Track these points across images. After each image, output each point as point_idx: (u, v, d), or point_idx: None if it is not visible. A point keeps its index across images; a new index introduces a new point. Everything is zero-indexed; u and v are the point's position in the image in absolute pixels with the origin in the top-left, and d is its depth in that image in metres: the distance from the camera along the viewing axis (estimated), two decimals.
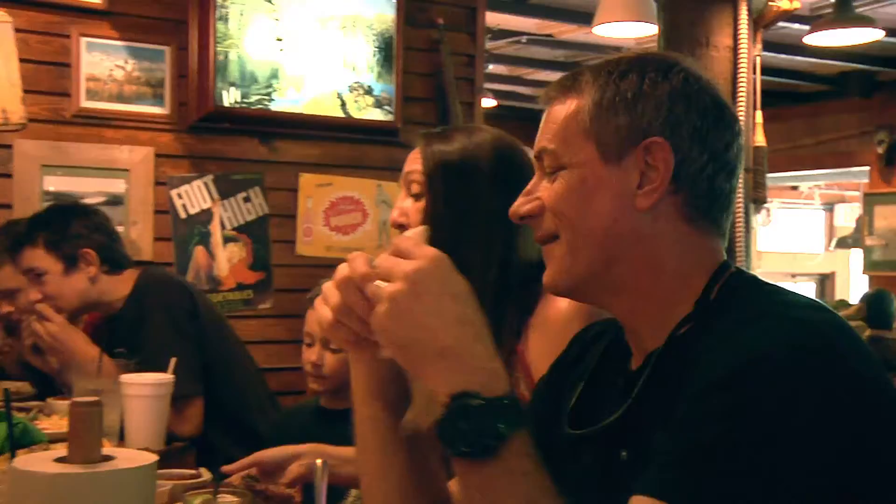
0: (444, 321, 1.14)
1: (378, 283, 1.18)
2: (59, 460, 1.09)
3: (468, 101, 4.92)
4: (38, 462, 1.11)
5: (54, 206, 3.42)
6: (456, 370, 1.13)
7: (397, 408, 1.35)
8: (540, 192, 1.34)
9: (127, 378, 2.67)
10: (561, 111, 1.32)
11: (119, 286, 3.24)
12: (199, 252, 4.35)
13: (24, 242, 3.23)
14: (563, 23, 7.40)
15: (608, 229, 1.28)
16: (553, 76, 8.79)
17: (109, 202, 4.12)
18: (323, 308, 1.28)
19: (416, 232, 1.27)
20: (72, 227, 3.21)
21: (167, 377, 2.71)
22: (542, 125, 1.35)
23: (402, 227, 2.01)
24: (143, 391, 2.61)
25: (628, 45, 6.97)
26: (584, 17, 6.50)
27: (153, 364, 2.85)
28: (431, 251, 1.18)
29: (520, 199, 1.37)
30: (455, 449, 1.12)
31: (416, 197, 2.01)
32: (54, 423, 2.92)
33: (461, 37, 4.95)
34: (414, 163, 2.04)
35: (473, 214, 1.47)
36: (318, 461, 1.60)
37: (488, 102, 7.42)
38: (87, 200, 4.16)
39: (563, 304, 1.84)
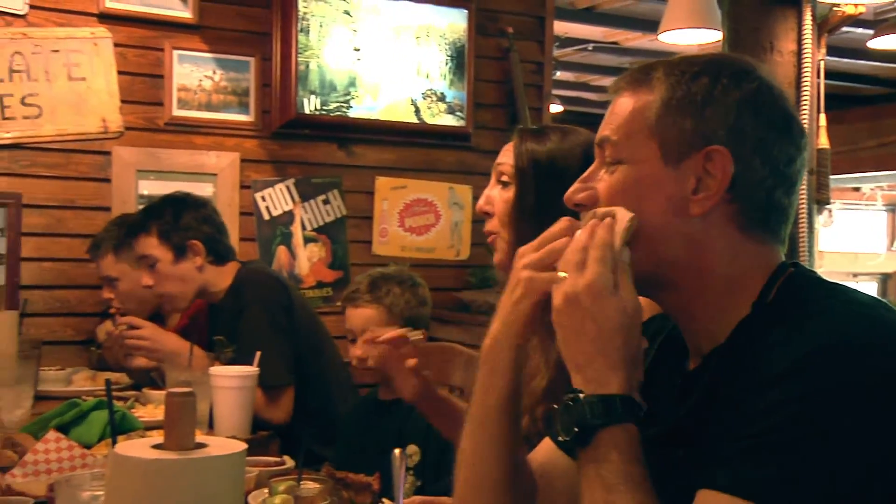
0: (608, 328, 1.18)
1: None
2: (156, 447, 1.11)
3: (536, 107, 4.93)
4: (137, 448, 1.12)
5: (168, 197, 3.46)
6: (586, 378, 1.18)
7: (516, 408, 1.35)
8: (596, 182, 1.32)
9: (216, 370, 2.73)
10: (629, 104, 1.29)
11: (222, 277, 3.30)
12: (281, 252, 4.43)
13: (138, 231, 3.31)
14: (628, 30, 7.35)
15: (658, 230, 1.25)
16: None
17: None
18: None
19: (623, 226, 1.24)
20: (183, 219, 3.28)
21: (253, 370, 2.75)
22: (607, 114, 1.33)
23: (486, 214, 2.02)
24: (231, 383, 2.65)
25: (692, 51, 6.90)
26: (650, 25, 6.45)
27: (248, 352, 2.91)
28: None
29: (576, 185, 1.35)
30: (555, 437, 1.18)
31: (504, 185, 2.02)
32: (149, 411, 2.99)
33: (530, 45, 4.97)
34: (505, 155, 2.04)
35: (557, 212, 1.47)
36: (396, 450, 1.61)
37: (555, 108, 7.39)
38: None
39: None
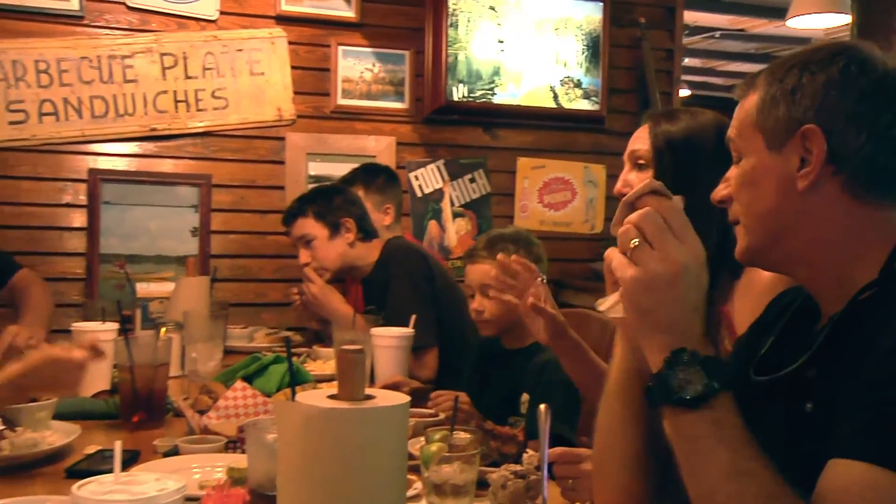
0: (683, 308, 1.15)
1: (634, 241, 1.17)
2: (332, 397, 1.15)
3: (666, 92, 4.88)
4: (315, 398, 1.15)
5: (319, 186, 3.63)
6: (677, 337, 1.15)
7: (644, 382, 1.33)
8: (732, 180, 1.35)
9: (376, 331, 2.82)
10: (741, 106, 1.34)
11: (370, 252, 3.41)
12: (432, 225, 4.53)
13: (296, 214, 3.44)
14: (755, 18, 7.15)
15: (773, 210, 1.27)
16: (744, 67, 8.53)
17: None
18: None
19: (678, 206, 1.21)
20: (334, 201, 3.41)
21: (408, 331, 2.83)
22: (733, 118, 1.37)
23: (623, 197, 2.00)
24: (390, 342, 2.74)
25: (818, 35, 6.69)
26: (776, 12, 6.29)
27: (395, 319, 3.00)
28: (696, 242, 1.18)
29: (719, 185, 1.40)
30: (670, 397, 1.14)
31: (641, 167, 1.98)
32: (318, 366, 3.13)
33: (661, 34, 4.92)
34: (639, 141, 2.00)
35: (697, 187, 1.46)
36: (542, 406, 1.61)
37: (683, 92, 7.26)
38: None
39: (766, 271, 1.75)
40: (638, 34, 4.79)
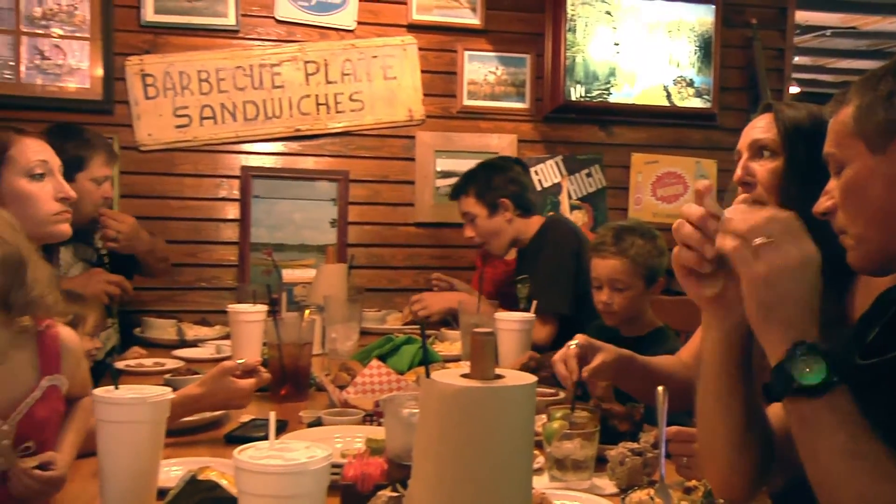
0: (804, 304, 1.15)
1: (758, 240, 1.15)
2: (464, 376, 1.13)
3: (777, 89, 4.73)
4: (448, 377, 1.14)
5: (483, 163, 3.64)
6: (798, 331, 1.14)
7: (740, 363, 1.34)
8: (833, 191, 1.32)
9: (499, 315, 2.80)
10: (836, 121, 1.32)
11: (529, 227, 3.42)
12: None
13: (460, 192, 3.51)
14: (867, 15, 6.85)
15: (884, 209, 1.25)
16: (855, 63, 8.17)
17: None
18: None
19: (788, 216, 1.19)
20: (493, 181, 3.43)
21: (530, 316, 2.80)
22: (827, 134, 1.34)
23: (746, 185, 1.88)
24: (512, 326, 2.72)
25: None
26: (889, 8, 6.02)
27: (539, 287, 3.11)
28: (813, 244, 1.16)
29: (821, 198, 1.35)
30: (791, 386, 1.13)
31: (767, 156, 1.86)
32: (446, 347, 3.17)
33: (772, 33, 4.76)
34: (760, 130, 1.89)
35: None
36: (660, 388, 1.60)
37: (793, 90, 7.02)
38: None
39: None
40: (749, 34, 4.65)
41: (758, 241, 1.15)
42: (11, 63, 3.96)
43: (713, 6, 4.48)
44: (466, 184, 3.51)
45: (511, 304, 3.32)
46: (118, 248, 3.30)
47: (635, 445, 1.74)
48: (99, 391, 1.53)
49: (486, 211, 3.42)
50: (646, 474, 1.69)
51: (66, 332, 1.76)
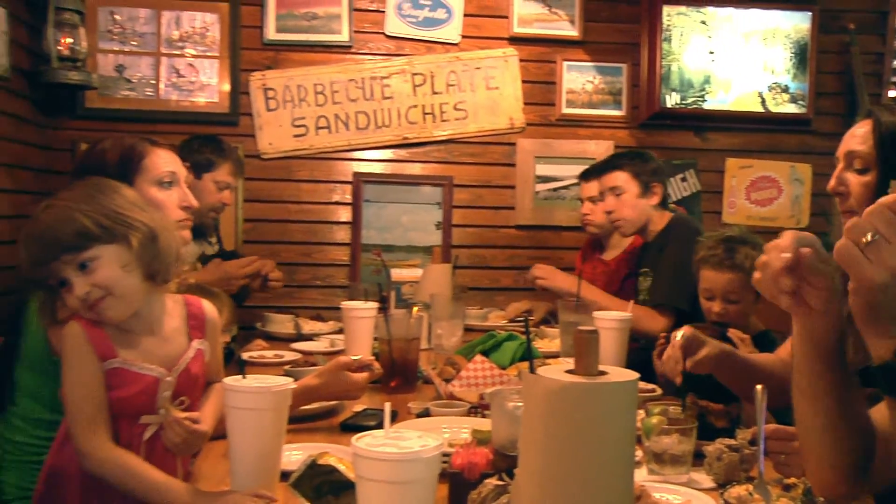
0: None
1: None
2: (569, 372, 1.12)
3: (875, 94, 4.54)
4: (553, 372, 1.13)
5: (634, 149, 3.64)
6: None
7: (830, 357, 1.30)
8: None
9: (598, 314, 2.73)
10: None
11: (660, 220, 3.34)
12: None
13: (613, 167, 3.40)
14: None
15: None
16: None
17: (578, 183, 4.23)
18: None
19: None
20: (649, 165, 3.37)
21: (627, 315, 2.73)
22: None
23: (839, 195, 1.78)
24: (610, 324, 2.63)
25: None
26: None
27: (660, 280, 3.07)
28: None
29: None
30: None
31: (860, 171, 1.73)
32: (545, 344, 3.15)
33: (871, 38, 4.56)
34: (856, 140, 1.75)
35: None
36: (759, 387, 1.56)
37: (892, 93, 6.72)
38: (564, 183, 4.39)
39: None
40: (846, 39, 4.48)
41: (865, 238, 1.08)
42: (153, 81, 4.13)
43: (810, 13, 4.35)
44: (621, 159, 3.44)
45: None
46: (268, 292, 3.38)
47: (732, 442, 1.71)
48: (229, 380, 1.58)
49: (638, 190, 3.32)
50: (743, 470, 1.66)
51: (209, 306, 1.84)
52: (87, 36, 3.93)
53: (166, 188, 2.13)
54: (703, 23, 4.28)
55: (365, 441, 1.22)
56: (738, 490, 1.45)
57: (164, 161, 2.14)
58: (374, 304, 2.72)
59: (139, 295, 1.67)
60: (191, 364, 1.73)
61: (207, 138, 3.41)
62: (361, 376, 2.17)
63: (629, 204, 3.32)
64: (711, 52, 4.30)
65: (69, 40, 3.80)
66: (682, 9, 4.26)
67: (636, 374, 1.10)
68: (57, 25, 3.77)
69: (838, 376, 1.30)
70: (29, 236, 1.62)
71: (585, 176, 3.74)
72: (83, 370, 1.61)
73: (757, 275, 1.29)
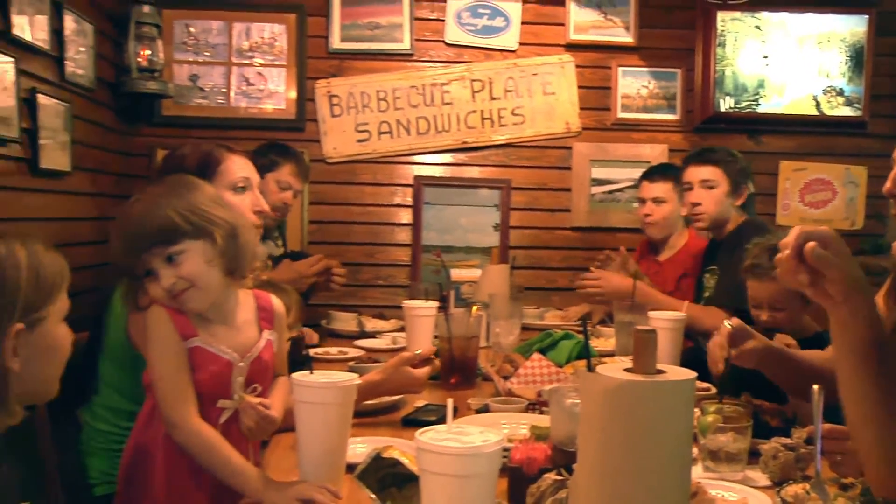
0: None
1: None
2: (627, 370, 1.12)
3: None
4: (612, 370, 1.13)
5: (725, 148, 3.43)
6: None
7: (865, 347, 1.29)
8: None
9: (653, 314, 2.70)
10: None
11: (735, 221, 3.25)
12: None
13: (711, 161, 3.27)
14: None
15: None
16: None
17: (634, 186, 4.18)
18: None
19: None
20: (739, 164, 3.29)
21: (682, 315, 2.70)
22: None
23: (894, 197, 1.65)
24: (665, 324, 2.59)
25: None
26: None
27: (723, 282, 2.99)
28: None
29: None
30: None
31: None
32: (601, 343, 3.10)
33: None
34: None
35: None
36: (815, 387, 1.53)
37: None
38: (619, 185, 4.36)
39: None
40: None
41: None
42: (224, 90, 4.20)
43: (866, 16, 4.24)
44: (719, 156, 3.31)
45: None
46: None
47: (788, 441, 1.68)
48: (297, 375, 1.60)
49: (728, 187, 3.24)
50: (798, 469, 1.63)
51: (276, 301, 1.88)
52: (164, 48, 4.01)
53: (240, 193, 2.16)
54: (758, 28, 4.21)
55: (428, 435, 1.22)
56: (794, 489, 1.43)
57: (238, 167, 2.17)
58: (435, 303, 2.72)
59: (219, 288, 1.71)
60: (262, 352, 1.76)
61: (274, 144, 3.48)
62: (423, 371, 2.19)
63: (717, 199, 3.23)
64: (765, 57, 4.22)
65: (148, 52, 3.89)
66: (737, 14, 4.19)
67: (693, 373, 1.09)
68: (137, 39, 3.86)
69: (878, 366, 1.28)
70: (122, 228, 1.67)
71: (650, 176, 3.69)
72: (168, 347, 1.65)
73: (778, 271, 1.30)
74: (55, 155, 3.16)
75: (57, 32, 3.19)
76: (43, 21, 3.04)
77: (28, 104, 2.95)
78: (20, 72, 2.83)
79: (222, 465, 1.60)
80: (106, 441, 2.10)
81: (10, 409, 1.31)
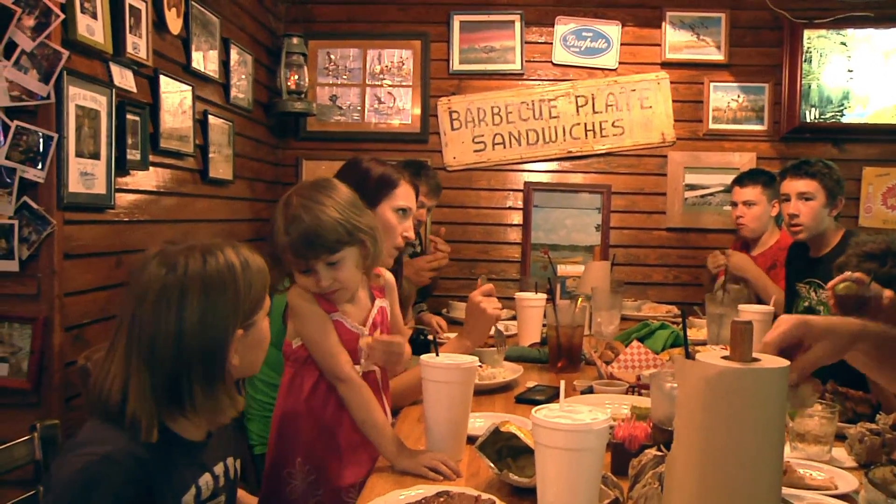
0: None
1: None
2: (725, 358, 1.08)
3: None
4: (711, 357, 1.09)
5: (822, 161, 3.09)
6: None
7: None
8: None
9: (742, 307, 2.64)
10: None
11: (835, 234, 3.00)
12: None
13: (812, 174, 3.01)
14: None
15: None
16: None
17: (725, 191, 4.10)
18: None
19: None
20: (834, 175, 3.01)
21: (770, 309, 2.61)
22: None
23: None
24: (756, 317, 2.51)
25: None
26: None
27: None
28: None
29: None
30: None
31: None
32: (693, 333, 3.02)
33: None
34: None
35: None
36: None
37: None
38: (710, 190, 4.23)
39: None
40: None
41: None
42: (359, 108, 4.30)
43: None
44: (817, 170, 3.04)
45: None
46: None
47: (874, 426, 1.60)
48: (424, 357, 1.63)
49: (825, 199, 2.99)
50: (884, 453, 1.55)
51: (387, 272, 1.88)
52: (309, 73, 4.14)
53: (401, 216, 2.16)
54: (843, 44, 4.00)
55: (543, 413, 1.22)
56: (882, 471, 1.36)
57: (407, 194, 2.18)
58: (543, 296, 2.71)
59: (358, 284, 1.75)
60: (376, 317, 1.77)
61: (412, 162, 3.44)
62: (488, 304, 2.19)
63: (814, 211, 2.99)
64: (850, 71, 4.01)
65: (296, 77, 4.02)
66: (823, 32, 4.00)
67: (787, 362, 1.06)
68: (287, 66, 4.00)
69: None
70: (297, 233, 1.64)
71: (740, 182, 3.57)
72: (322, 318, 1.67)
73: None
74: (221, 166, 3.30)
75: (224, 63, 3.34)
76: (214, 55, 3.19)
77: (200, 124, 3.10)
78: (196, 97, 2.97)
79: (372, 421, 1.61)
80: (261, 409, 2.17)
81: (235, 399, 1.35)
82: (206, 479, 1.33)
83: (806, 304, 3.04)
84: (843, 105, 4.02)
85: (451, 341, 2.21)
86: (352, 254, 1.68)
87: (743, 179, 3.57)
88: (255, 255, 1.39)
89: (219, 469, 1.37)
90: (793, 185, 3.05)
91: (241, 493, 1.55)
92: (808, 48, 4.00)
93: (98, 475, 1.16)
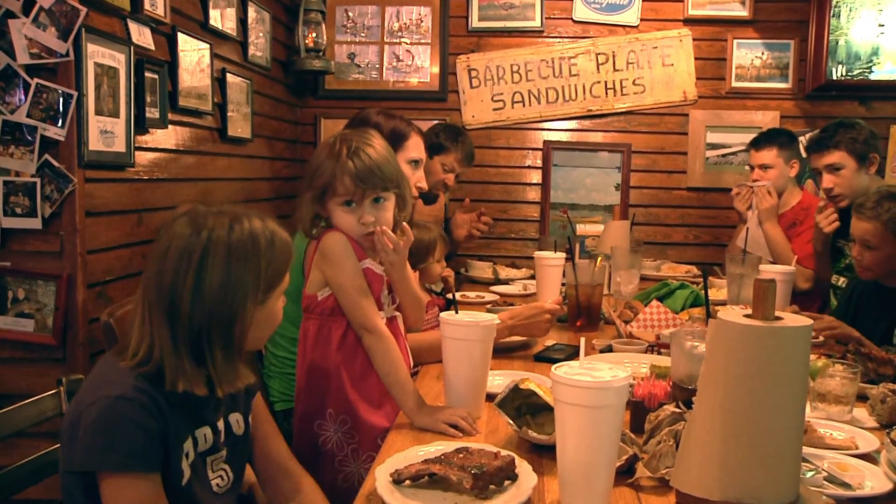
0: None
1: None
2: (747, 316, 1.09)
3: None
4: (733, 315, 1.10)
5: (846, 120, 3.04)
6: None
7: None
8: None
9: (763, 267, 2.63)
10: None
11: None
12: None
13: (830, 146, 2.94)
14: None
15: None
16: None
17: (746, 150, 3.99)
18: None
19: None
20: (862, 133, 2.94)
21: (792, 269, 2.61)
22: None
23: None
24: (777, 276, 2.49)
25: None
26: None
27: None
28: None
29: None
30: None
31: None
32: (713, 293, 2.99)
33: None
34: None
35: None
36: None
37: None
38: (732, 149, 4.17)
39: None
40: None
41: None
42: (377, 66, 4.26)
43: None
44: (835, 136, 2.94)
45: None
46: None
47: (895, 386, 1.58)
48: (444, 315, 1.62)
49: (855, 164, 2.92)
50: None
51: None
52: (327, 31, 4.10)
53: (412, 167, 2.18)
54: None
55: (563, 370, 1.22)
56: None
57: (418, 145, 2.19)
58: (563, 255, 2.70)
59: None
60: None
61: (450, 127, 3.42)
62: (550, 323, 2.20)
63: (847, 179, 2.91)
64: (881, 25, 3.90)
65: (314, 35, 3.98)
66: None
67: (809, 321, 1.05)
68: (305, 24, 3.95)
69: None
70: (362, 163, 1.65)
71: (756, 144, 3.48)
72: (355, 265, 1.67)
73: None
74: (239, 124, 3.30)
75: (242, 21, 3.31)
76: (232, 13, 3.16)
77: (219, 83, 3.09)
78: (214, 55, 2.95)
79: (395, 375, 1.62)
80: (282, 365, 2.17)
81: (248, 370, 1.34)
82: (204, 432, 1.33)
83: (847, 261, 3.00)
84: (871, 61, 3.92)
85: (503, 314, 2.17)
86: (393, 199, 1.72)
87: (759, 142, 3.47)
88: (282, 231, 1.37)
89: (220, 424, 1.38)
90: (819, 160, 2.99)
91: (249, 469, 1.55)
92: (837, 2, 3.89)
93: (117, 413, 1.19)
